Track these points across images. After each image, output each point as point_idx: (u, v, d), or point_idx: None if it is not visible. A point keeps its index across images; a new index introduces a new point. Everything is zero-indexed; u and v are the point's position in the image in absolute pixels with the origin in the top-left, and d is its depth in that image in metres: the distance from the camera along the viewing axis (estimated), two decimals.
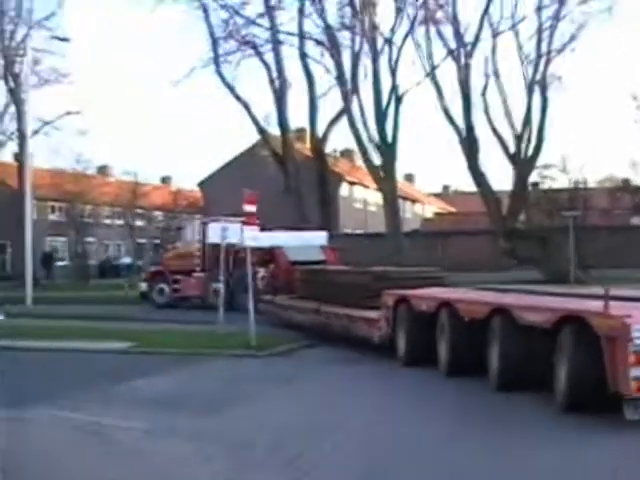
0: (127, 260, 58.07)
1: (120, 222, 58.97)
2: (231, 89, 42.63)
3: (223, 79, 42.38)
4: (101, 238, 63.86)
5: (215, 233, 19.47)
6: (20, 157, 49.52)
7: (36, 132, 49.46)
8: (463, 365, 13.16)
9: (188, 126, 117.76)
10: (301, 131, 52.73)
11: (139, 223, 58.19)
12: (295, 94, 74.09)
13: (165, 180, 72.96)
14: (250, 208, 17.92)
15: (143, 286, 32.52)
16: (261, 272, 26.45)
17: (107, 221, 63.68)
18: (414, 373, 13.93)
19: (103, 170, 67.41)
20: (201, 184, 62.97)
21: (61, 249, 61.55)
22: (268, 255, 26.66)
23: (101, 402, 11.01)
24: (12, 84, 48.50)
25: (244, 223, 18.07)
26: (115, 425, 9.39)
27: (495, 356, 12.06)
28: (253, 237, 18.06)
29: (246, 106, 42.92)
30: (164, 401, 11.18)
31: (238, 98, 43.05)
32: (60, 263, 57.90)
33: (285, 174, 42.22)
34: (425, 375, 13.62)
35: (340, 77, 37.31)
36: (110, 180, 63.46)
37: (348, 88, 37.15)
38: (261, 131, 43.54)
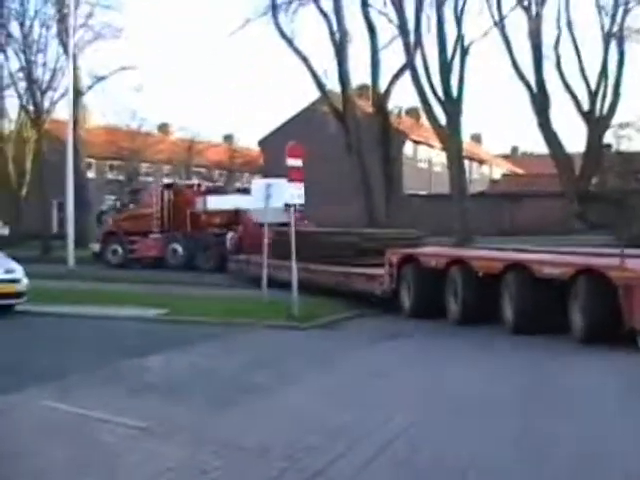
0: None
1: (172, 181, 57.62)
2: (289, 41, 40.71)
3: (281, 31, 40.46)
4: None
5: (259, 192, 17.60)
6: (74, 114, 48.30)
7: (90, 88, 48.28)
8: (473, 316, 14.76)
9: (248, 83, 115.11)
10: (362, 88, 50.41)
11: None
12: (355, 50, 71.51)
13: (227, 138, 70.86)
14: (294, 162, 16.04)
15: (96, 247, 33.04)
16: (230, 234, 28.55)
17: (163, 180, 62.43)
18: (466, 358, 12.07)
19: (163, 128, 66.16)
20: (261, 142, 61.13)
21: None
22: (234, 217, 28.59)
23: (101, 386, 9.35)
24: (65, 38, 47.13)
25: (289, 179, 16.22)
26: (105, 420, 7.67)
27: (509, 306, 13.87)
28: (298, 195, 16.20)
29: (305, 60, 40.93)
30: (176, 386, 9.44)
31: (297, 51, 41.12)
32: None
33: (346, 132, 40.22)
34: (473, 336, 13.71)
35: (403, 27, 35.00)
36: (167, 138, 61.96)
37: (411, 39, 34.85)
38: (320, 86, 41.52)
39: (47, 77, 46.72)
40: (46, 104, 46.77)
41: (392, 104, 43.03)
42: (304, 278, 18.19)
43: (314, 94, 46.33)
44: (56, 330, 14.93)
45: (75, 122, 48.15)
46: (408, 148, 58.89)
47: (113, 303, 18.04)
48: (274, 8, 38.42)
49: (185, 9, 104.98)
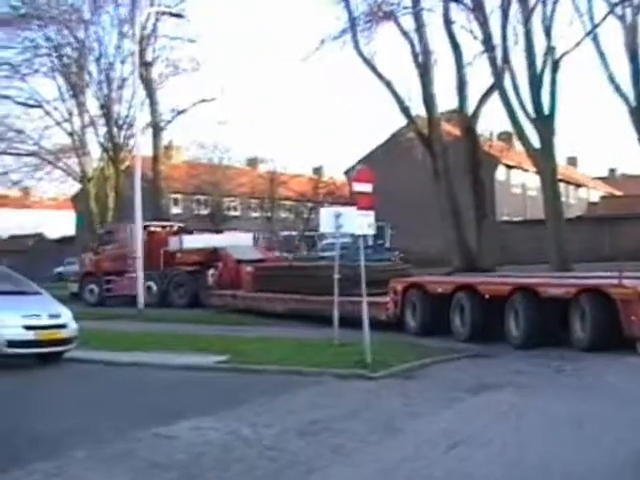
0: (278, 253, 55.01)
1: (257, 214, 56.33)
2: (371, 65, 39.00)
3: (361, 54, 38.78)
4: (240, 230, 61.56)
5: (327, 221, 15.68)
6: (155, 149, 47.46)
7: (169, 122, 47.36)
8: (480, 334, 16.91)
9: (332, 111, 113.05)
10: (448, 114, 48.18)
11: (282, 215, 55.46)
12: (438, 71, 69.29)
13: (317, 171, 68.95)
14: (363, 188, 14.12)
15: (74, 287, 34.24)
16: (211, 270, 29.92)
17: (243, 213, 61.30)
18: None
19: (252, 162, 65.21)
20: (347, 172, 59.41)
21: None
22: (214, 255, 30.16)
23: (104, 469, 7.47)
24: (144, 73, 46.39)
25: (359, 207, 14.28)
26: None
27: (513, 324, 16.14)
28: (368, 224, 14.25)
29: (388, 84, 39.15)
30: (197, 471, 7.44)
31: (379, 75, 39.38)
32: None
33: (432, 156, 38.21)
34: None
35: (488, 42, 32.79)
36: (249, 171, 60.76)
37: (498, 55, 32.62)
38: (405, 111, 39.63)
39: (125, 113, 46.12)
40: (125, 141, 46.25)
41: (481, 127, 40.85)
42: (295, 309, 22.07)
43: (401, 120, 44.51)
44: (93, 383, 13.39)
45: (155, 157, 47.51)
46: (500, 173, 56.34)
47: (172, 348, 16.40)
48: (353, 28, 36.63)
49: (260, 38, 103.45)
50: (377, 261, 45.91)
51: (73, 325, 15.68)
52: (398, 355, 14.19)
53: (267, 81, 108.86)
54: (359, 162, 57.44)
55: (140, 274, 26.99)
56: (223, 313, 25.44)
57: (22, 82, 47.22)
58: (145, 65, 46.56)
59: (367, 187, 14.08)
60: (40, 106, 48.06)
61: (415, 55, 37.58)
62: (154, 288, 31.28)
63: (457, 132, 41.02)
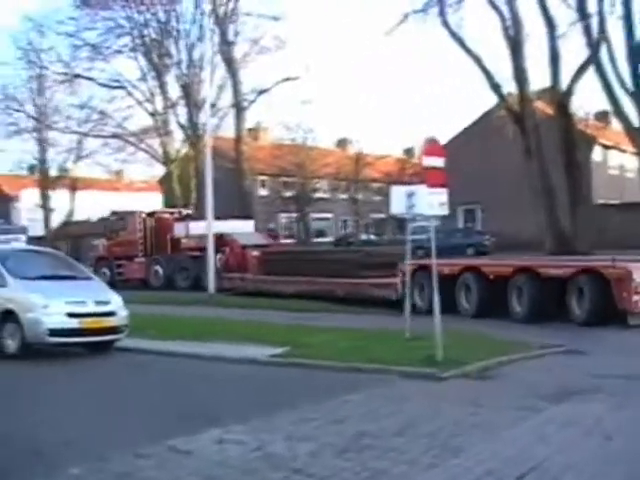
0: (366, 236, 53.40)
1: (344, 196, 54.82)
2: (460, 40, 37.18)
3: (449, 28, 36.99)
4: (324, 212, 60.32)
5: (398, 200, 14.15)
6: (237, 130, 46.50)
7: (252, 102, 46.37)
8: (486, 310, 18.58)
9: (421, 92, 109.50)
10: (540, 92, 45.73)
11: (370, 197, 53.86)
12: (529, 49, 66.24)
13: (408, 152, 66.86)
14: (433, 162, 12.54)
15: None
16: (219, 255, 30.08)
17: (330, 195, 59.99)
18: None
19: (342, 143, 63.84)
20: None
21: (287, 226, 58.57)
22: (220, 241, 30.44)
23: None
24: (226, 52, 45.41)
25: (429, 184, 12.71)
26: None
27: (516, 301, 17.94)
28: (440, 204, 12.71)
29: (478, 60, 37.26)
30: None
31: (468, 51, 37.50)
32: (287, 240, 54.91)
33: (523, 134, 36.20)
34: None
35: (582, 10, 30.61)
36: (334, 151, 59.25)
37: (593, 24, 30.45)
38: (495, 88, 37.69)
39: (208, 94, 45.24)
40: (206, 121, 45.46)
41: (576, 105, 38.57)
42: (310, 290, 23.46)
43: (492, 98, 42.47)
44: (133, 378, 12.38)
45: (238, 138, 46.55)
46: (597, 153, 53.58)
47: (233, 338, 15.16)
48: (440, 1, 34.81)
49: (344, 13, 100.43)
50: (468, 246, 44.59)
51: (123, 313, 14.61)
52: (473, 351, 12.60)
53: (352, 59, 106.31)
54: (450, 142, 55.55)
55: (211, 260, 26.15)
56: (294, 299, 24.09)
57: (105, 63, 46.98)
58: (227, 44, 45.69)
59: (438, 161, 12.50)
60: (122, 87, 47.72)
61: (505, 28, 35.65)
62: (160, 272, 33.20)
63: (550, 110, 38.86)
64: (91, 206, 70.29)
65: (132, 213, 35.79)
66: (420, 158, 12.18)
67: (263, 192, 60.19)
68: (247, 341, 14.77)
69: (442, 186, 12.62)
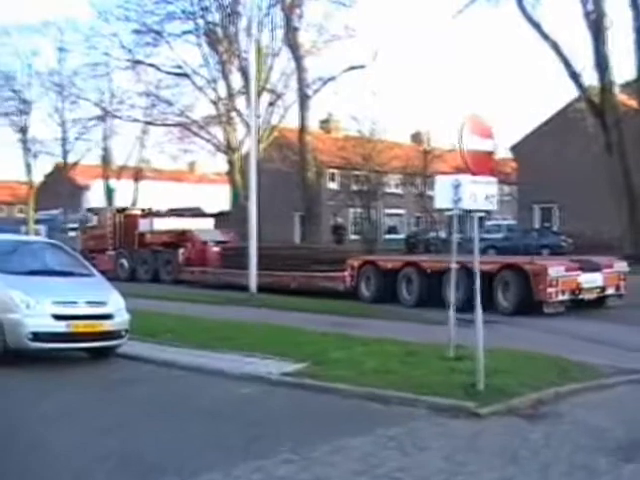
0: (437, 233, 50.58)
1: (415, 190, 52.33)
2: (536, 25, 34.72)
3: (525, 12, 34.53)
4: (396, 208, 58.01)
5: (444, 193, 11.84)
6: (302, 120, 44.43)
7: (316, 91, 44.20)
8: (423, 301, 20.96)
9: (495, 84, 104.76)
10: (623, 85, 42.45)
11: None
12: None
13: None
14: (480, 144, 10.24)
15: None
16: (181, 250, 32.69)
17: (401, 190, 57.68)
18: None
19: (416, 137, 61.43)
20: (514, 148, 54.46)
21: (352, 221, 56.45)
22: (183, 236, 33.32)
23: None
24: (291, 39, 43.38)
25: (473, 172, 10.41)
26: None
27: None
28: (487, 197, 10.42)
29: (556, 46, 34.72)
30: None
31: (546, 37, 35.00)
32: (353, 237, 52.81)
33: (604, 129, 33.54)
34: None
35: None
36: (399, 143, 56.77)
37: None
38: (574, 77, 35.07)
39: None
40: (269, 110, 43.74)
41: None
42: (268, 282, 25.02)
43: (571, 91, 39.69)
44: (112, 397, 10.23)
45: (302, 129, 44.47)
46: None
47: (252, 348, 13.08)
48: None
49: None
50: (543, 247, 41.95)
51: (123, 316, 12.68)
52: (525, 376, 10.29)
53: (421, 48, 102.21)
54: (527, 137, 52.68)
55: (253, 257, 24.29)
56: (341, 300, 22.24)
57: (167, 49, 45.45)
58: (293, 31, 43.70)
59: (485, 144, 10.21)
60: (185, 74, 46.11)
61: (587, 14, 33.11)
62: (125, 264, 35.02)
63: (632, 103, 36.03)
64: (157, 197, 69.50)
65: (104, 209, 39.15)
66: (461, 138, 9.87)
67: (333, 185, 58.15)
68: (266, 351, 12.70)
69: (489, 174, 10.34)
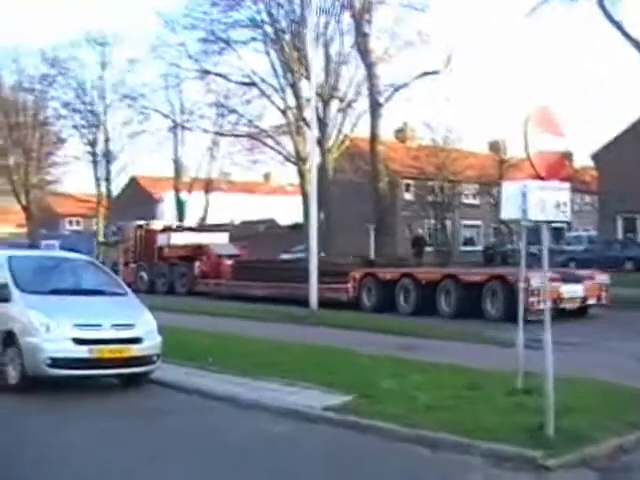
0: (514, 244, 48.50)
1: (490, 200, 50.44)
2: (617, 24, 32.78)
3: (606, 11, 32.63)
4: (473, 219, 56.15)
5: (511, 202, 10.35)
6: (373, 128, 43.09)
7: (388, 99, 42.79)
8: (420, 309, 22.57)
9: (569, 87, 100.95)
10: None
11: None
12: None
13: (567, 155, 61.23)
14: (549, 142, 8.77)
15: None
16: (197, 263, 34.50)
17: (478, 200, 55.85)
18: None
19: (494, 146, 59.46)
20: (595, 156, 52.11)
21: (427, 232, 54.80)
22: (199, 250, 35.23)
23: None
24: (362, 45, 42.09)
25: (542, 177, 8.93)
26: None
27: (445, 301, 22.14)
28: (558, 205, 8.91)
29: (639, 47, 32.74)
30: None
31: (628, 37, 33.03)
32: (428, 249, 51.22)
33: None
34: None
35: None
36: (474, 152, 54.91)
37: None
38: None
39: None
40: (335, 118, 42.52)
41: None
42: (275, 293, 27.56)
43: None
44: (121, 441, 8.90)
45: (373, 137, 43.12)
46: None
47: (295, 374, 11.78)
48: None
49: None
50: (627, 259, 39.88)
51: (154, 339, 11.53)
52: (603, 415, 8.77)
53: (495, 54, 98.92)
54: (609, 145, 50.35)
55: (314, 271, 23.07)
56: (408, 317, 20.84)
57: (235, 58, 44.70)
58: (363, 37, 42.45)
59: (556, 142, 8.74)
60: (253, 83, 45.27)
61: None
62: (145, 277, 36.29)
63: None
64: (229, 209, 68.96)
65: (127, 224, 39.70)
66: (526, 137, 8.44)
67: (408, 196, 56.70)
68: (312, 379, 11.38)
69: (562, 179, 8.85)
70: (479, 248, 55.59)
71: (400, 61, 43.33)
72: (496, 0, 69.43)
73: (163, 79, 48.97)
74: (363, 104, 43.84)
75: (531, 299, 19.45)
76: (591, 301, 21.97)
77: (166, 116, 52.74)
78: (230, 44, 43.74)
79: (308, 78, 41.74)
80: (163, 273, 35.70)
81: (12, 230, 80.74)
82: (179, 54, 45.21)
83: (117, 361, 11.02)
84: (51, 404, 10.57)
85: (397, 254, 44.23)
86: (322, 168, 41.44)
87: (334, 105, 43.12)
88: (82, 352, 10.75)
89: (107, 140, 57.80)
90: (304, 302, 23.26)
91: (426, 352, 14.56)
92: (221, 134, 51.00)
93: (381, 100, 42.38)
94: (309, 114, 43.22)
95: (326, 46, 43.89)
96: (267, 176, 76.64)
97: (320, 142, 41.22)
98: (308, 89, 42.58)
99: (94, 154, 57.65)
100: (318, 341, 16.06)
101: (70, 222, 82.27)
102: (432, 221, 52.19)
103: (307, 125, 42.26)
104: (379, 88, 42.29)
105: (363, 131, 45.21)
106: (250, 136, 48.31)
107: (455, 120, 73.27)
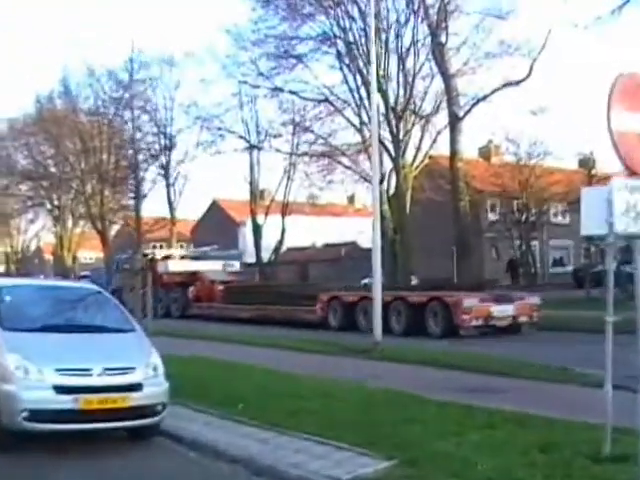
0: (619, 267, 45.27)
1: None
2: None
3: None
4: (563, 239, 53.16)
5: (593, 213, 8.11)
6: (452, 144, 40.76)
7: (468, 112, 40.39)
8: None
9: None
10: None
11: None
12: None
13: None
14: (631, 120, 6.56)
15: None
16: (191, 288, 37.65)
17: (563, 219, 52.87)
18: None
19: (584, 162, 56.35)
20: None
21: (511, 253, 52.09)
22: (193, 277, 38.38)
23: None
24: (438, 56, 39.91)
25: (629, 169, 6.69)
26: None
27: (395, 320, 24.80)
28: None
29: None
30: None
31: None
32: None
33: None
34: None
35: None
36: (560, 167, 51.84)
37: None
38: None
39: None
40: (408, 135, 40.41)
41: None
42: (259, 315, 31.32)
43: None
44: None
45: (453, 154, 40.82)
46: None
47: (329, 428, 9.65)
48: None
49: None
50: None
51: (158, 385, 9.55)
52: None
53: (580, 64, 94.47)
54: None
55: (378, 301, 20.76)
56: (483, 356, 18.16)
57: (307, 74, 43.03)
58: (440, 48, 40.28)
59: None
60: (327, 100, 43.48)
61: None
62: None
63: None
64: (309, 232, 67.22)
65: (135, 253, 42.66)
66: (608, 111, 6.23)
67: (492, 216, 54.12)
68: (349, 436, 9.24)
69: None
70: (569, 269, 52.66)
71: (482, 72, 40.92)
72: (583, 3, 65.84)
73: (236, 98, 47.55)
74: (442, 120, 41.68)
75: (463, 317, 23.10)
76: (523, 319, 24.44)
77: (241, 137, 51.38)
78: (302, 60, 42.03)
79: (381, 91, 39.77)
80: (161, 298, 37.41)
81: (97, 255, 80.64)
82: (250, 71, 43.77)
83: (108, 413, 9.06)
84: (25, 463, 8.71)
85: (483, 277, 41.75)
86: (398, 187, 39.31)
87: (410, 121, 40.86)
88: (66, 402, 8.82)
89: (180, 162, 56.87)
90: (302, 324, 27.89)
91: (502, 397, 12.22)
92: (295, 154, 49.29)
93: (460, 113, 40.09)
94: (384, 131, 41.35)
95: (401, 58, 41.95)
96: (351, 198, 74.67)
97: (395, 159, 39.13)
98: (382, 104, 40.73)
99: (167, 177, 56.66)
100: (375, 380, 13.90)
101: (154, 246, 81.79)
102: (517, 242, 49.38)
103: (382, 143, 40.18)
104: (458, 101, 40.05)
105: (444, 149, 42.96)
106: (325, 155, 46.47)
107: (541, 134, 70.00)
